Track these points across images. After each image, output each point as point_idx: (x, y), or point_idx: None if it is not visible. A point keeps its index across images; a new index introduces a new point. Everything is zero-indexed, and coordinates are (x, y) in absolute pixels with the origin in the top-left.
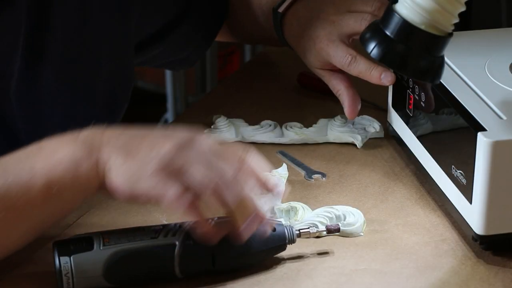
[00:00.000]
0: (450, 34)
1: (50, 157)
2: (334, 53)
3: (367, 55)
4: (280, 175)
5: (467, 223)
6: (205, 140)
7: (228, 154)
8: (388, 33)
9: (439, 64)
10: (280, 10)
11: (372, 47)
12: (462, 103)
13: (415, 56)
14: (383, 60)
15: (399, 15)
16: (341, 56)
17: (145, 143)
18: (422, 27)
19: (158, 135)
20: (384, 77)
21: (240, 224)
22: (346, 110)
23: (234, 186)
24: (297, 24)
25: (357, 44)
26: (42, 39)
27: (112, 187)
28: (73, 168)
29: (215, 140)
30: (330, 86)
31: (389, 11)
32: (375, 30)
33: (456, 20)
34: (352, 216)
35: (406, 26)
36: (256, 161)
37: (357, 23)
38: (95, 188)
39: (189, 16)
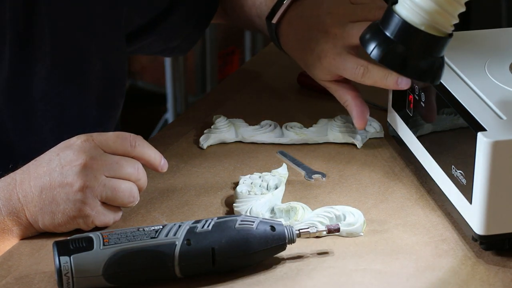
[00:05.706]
0: (450, 35)
1: None
2: (343, 66)
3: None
4: (280, 175)
5: (467, 223)
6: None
7: None
8: (388, 34)
9: (439, 65)
10: (274, 21)
11: (372, 48)
12: (462, 103)
13: (415, 57)
14: (383, 61)
15: (399, 16)
16: (352, 68)
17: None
18: (422, 28)
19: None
20: (400, 82)
21: None
22: (355, 121)
23: None
24: (294, 35)
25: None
26: (30, 37)
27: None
28: None
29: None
30: (337, 97)
31: (389, 12)
32: (375, 31)
33: (456, 21)
34: (352, 216)
35: (406, 27)
36: None
37: (361, 33)
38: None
39: (180, 7)
